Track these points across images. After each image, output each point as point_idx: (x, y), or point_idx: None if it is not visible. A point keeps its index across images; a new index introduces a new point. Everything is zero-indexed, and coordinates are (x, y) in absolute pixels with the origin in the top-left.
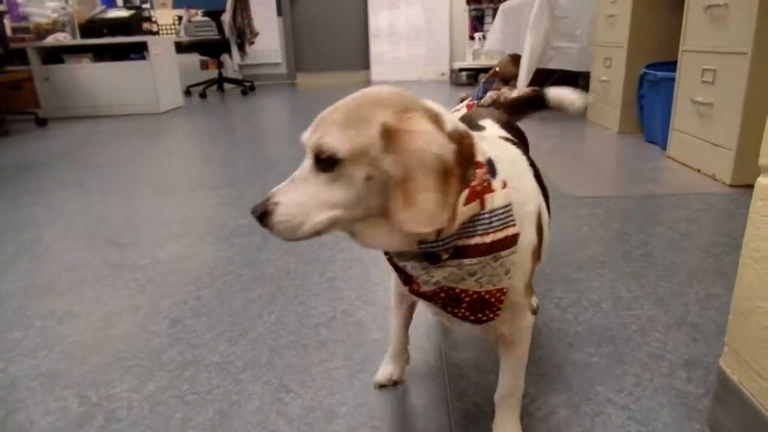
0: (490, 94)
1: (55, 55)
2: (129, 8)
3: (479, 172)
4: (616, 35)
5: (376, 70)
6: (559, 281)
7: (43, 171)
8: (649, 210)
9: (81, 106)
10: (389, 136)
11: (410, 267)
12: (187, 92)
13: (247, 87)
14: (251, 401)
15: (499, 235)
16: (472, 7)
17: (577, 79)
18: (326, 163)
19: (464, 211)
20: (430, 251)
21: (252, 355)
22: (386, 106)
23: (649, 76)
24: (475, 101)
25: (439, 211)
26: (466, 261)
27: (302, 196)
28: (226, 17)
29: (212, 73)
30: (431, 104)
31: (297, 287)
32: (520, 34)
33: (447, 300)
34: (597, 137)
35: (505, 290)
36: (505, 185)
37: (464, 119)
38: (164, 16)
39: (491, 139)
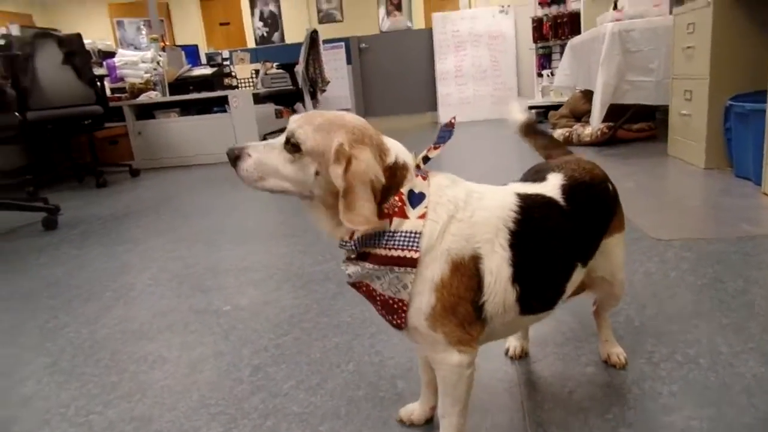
0: (562, 132)
1: (147, 111)
2: (212, 66)
3: (395, 198)
4: (697, 67)
5: (444, 112)
6: (648, 333)
7: (136, 219)
8: (745, 253)
9: (169, 157)
10: (339, 153)
11: (344, 253)
12: (264, 139)
13: None
14: None
15: (398, 253)
16: (539, 44)
17: (654, 113)
18: (293, 146)
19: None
20: (344, 248)
21: (330, 406)
22: (347, 132)
23: (737, 108)
24: (433, 146)
25: (370, 215)
26: (367, 264)
27: (267, 160)
28: (299, 68)
29: (286, 121)
30: (387, 141)
31: (372, 335)
32: (590, 70)
33: (367, 295)
34: (681, 174)
35: (405, 302)
36: (423, 216)
37: (539, 168)
38: (243, 70)
39: (448, 185)
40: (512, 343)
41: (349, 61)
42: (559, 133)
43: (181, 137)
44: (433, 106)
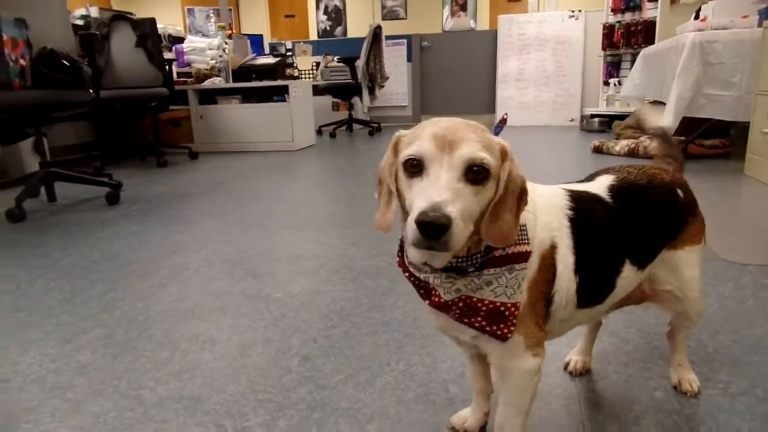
0: (626, 143)
1: (210, 97)
2: (275, 56)
3: None
4: None
5: (501, 114)
6: (724, 362)
7: (193, 201)
8: None
9: (228, 142)
10: (504, 158)
11: (433, 278)
12: (319, 132)
13: (374, 128)
14: None
15: (515, 249)
16: (608, 52)
17: (729, 130)
18: (478, 176)
19: None
20: (459, 266)
21: (379, 405)
22: (484, 130)
23: None
24: None
25: (511, 230)
26: (486, 271)
27: (462, 207)
28: (360, 63)
29: (343, 114)
30: None
31: (424, 336)
32: (664, 81)
33: (465, 309)
34: (758, 195)
35: (518, 304)
36: None
37: (595, 172)
38: (304, 62)
39: None
40: (573, 357)
41: (409, 59)
42: (623, 144)
43: (240, 123)
44: (491, 108)
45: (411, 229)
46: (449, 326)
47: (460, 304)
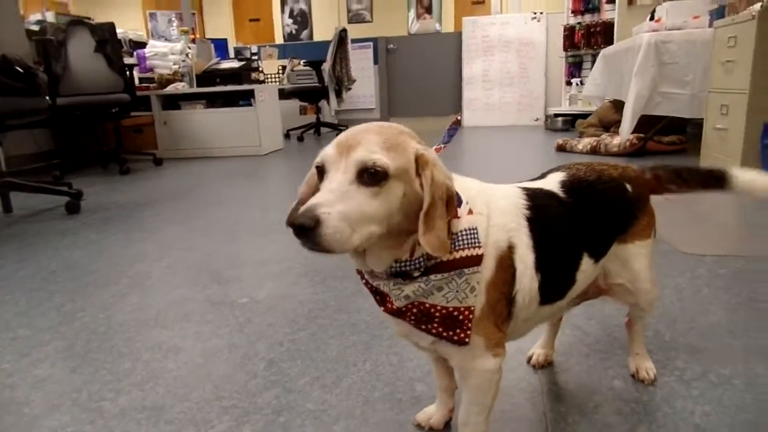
0: (589, 141)
1: (174, 102)
2: (240, 60)
3: None
4: (736, 81)
5: (468, 116)
6: (680, 350)
7: (156, 208)
8: None
9: (193, 148)
10: (420, 163)
11: (383, 285)
12: (287, 135)
13: (342, 131)
14: None
15: (464, 253)
16: (570, 53)
17: (686, 127)
18: (373, 177)
19: None
20: (403, 270)
21: (346, 405)
22: (411, 137)
23: None
24: (442, 145)
25: (446, 237)
26: (433, 276)
27: (348, 208)
28: (326, 66)
29: (310, 117)
30: None
31: (391, 337)
32: (622, 80)
33: (419, 316)
34: None
35: (472, 308)
36: (470, 212)
37: (546, 171)
38: (270, 66)
39: (464, 180)
40: (536, 350)
41: (376, 62)
42: (586, 142)
43: (205, 129)
44: (457, 109)
45: None
46: (409, 332)
47: (414, 311)
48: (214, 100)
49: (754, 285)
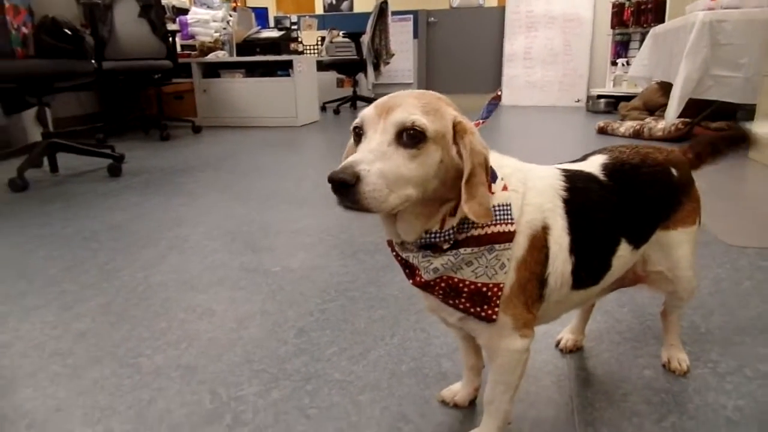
0: (632, 125)
1: (214, 70)
2: (280, 29)
3: None
4: None
5: (508, 94)
6: (715, 342)
7: (195, 175)
8: None
9: (231, 117)
10: (458, 130)
11: (412, 257)
12: (323, 108)
13: None
14: (369, 426)
15: (495, 229)
16: (617, 30)
17: (736, 113)
18: (412, 139)
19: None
20: (433, 242)
21: (372, 377)
22: (448, 105)
23: None
24: (481, 120)
25: (489, 204)
26: (462, 250)
27: (387, 168)
28: (365, 39)
29: (347, 90)
30: None
31: (419, 312)
32: (672, 61)
33: (447, 290)
34: (762, 179)
35: (501, 285)
36: (505, 188)
37: (589, 153)
38: (309, 36)
39: (502, 157)
40: (565, 335)
41: (416, 35)
42: (628, 125)
43: (244, 98)
44: (497, 86)
45: None
46: (437, 307)
47: (442, 284)
48: (253, 70)
49: None
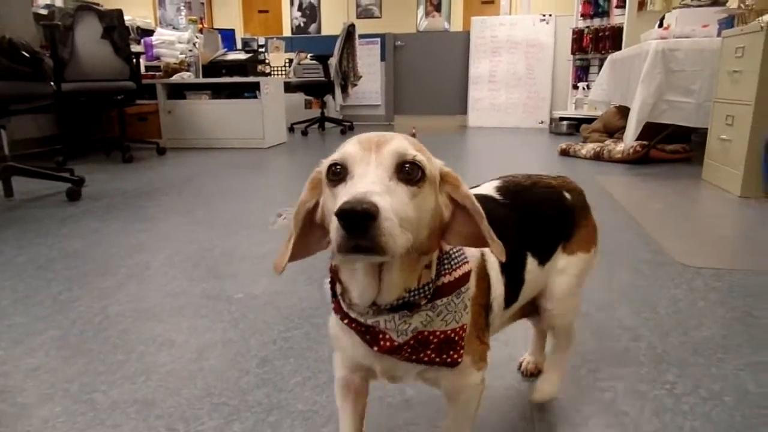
0: (593, 147)
1: (179, 92)
2: (247, 51)
3: None
4: (742, 92)
5: (473, 116)
6: (671, 363)
7: (158, 198)
8: None
9: (197, 138)
10: (449, 180)
11: (383, 321)
12: (291, 129)
13: (346, 126)
14: None
15: (460, 271)
16: (577, 56)
17: (690, 135)
18: (411, 175)
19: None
20: (412, 300)
21: (336, 408)
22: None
23: None
24: None
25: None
26: (439, 302)
27: (395, 203)
28: (333, 61)
29: (315, 112)
30: None
31: None
32: (629, 86)
33: (416, 346)
34: (715, 200)
35: (465, 326)
36: None
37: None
38: (277, 58)
39: None
40: (527, 357)
41: (383, 58)
42: (590, 147)
43: (210, 119)
44: (463, 109)
45: (334, 229)
46: (392, 368)
47: (411, 342)
48: (220, 91)
49: (749, 300)
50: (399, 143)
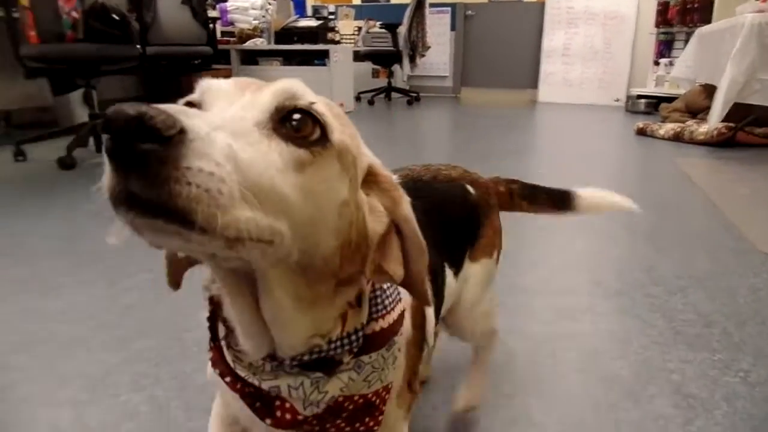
0: (672, 127)
1: (252, 57)
2: (318, 18)
3: None
4: None
5: (544, 91)
6: (747, 352)
7: None
8: None
9: None
10: (382, 181)
11: (286, 387)
12: (357, 98)
13: (412, 97)
14: None
15: (395, 314)
16: (661, 29)
17: None
18: (302, 131)
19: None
20: (330, 356)
21: None
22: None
23: None
24: None
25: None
26: (366, 358)
27: (247, 155)
28: (402, 30)
29: (382, 81)
30: None
31: None
32: (717, 63)
33: (326, 417)
34: None
35: (390, 386)
36: None
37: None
38: (346, 26)
39: None
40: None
41: (453, 28)
42: (669, 128)
43: None
44: (533, 83)
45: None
46: None
47: (320, 412)
48: (291, 58)
49: None
50: (292, 83)
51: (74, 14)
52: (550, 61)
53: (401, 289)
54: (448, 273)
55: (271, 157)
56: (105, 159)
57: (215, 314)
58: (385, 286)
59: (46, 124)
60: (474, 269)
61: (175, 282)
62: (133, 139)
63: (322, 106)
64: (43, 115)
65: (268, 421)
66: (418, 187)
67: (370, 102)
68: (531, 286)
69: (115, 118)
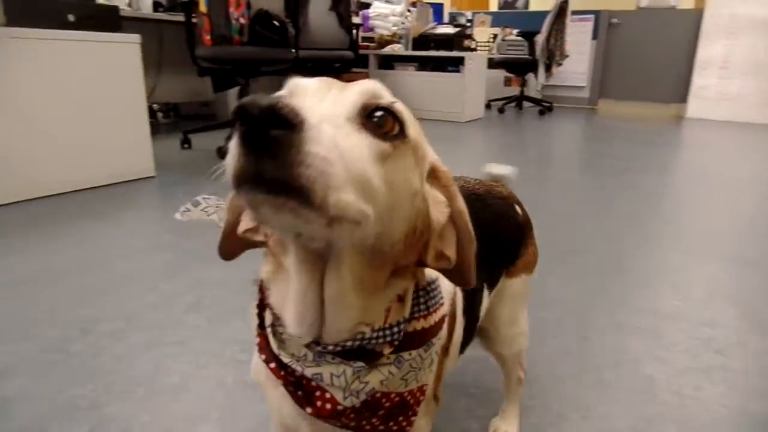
0: None
1: (388, 62)
2: (455, 26)
3: None
4: None
5: (694, 106)
6: None
7: None
8: None
9: None
10: (440, 177)
11: (328, 375)
12: (488, 105)
13: (545, 107)
14: None
15: (436, 316)
16: None
17: None
18: (382, 127)
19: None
20: (371, 346)
21: None
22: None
23: None
24: None
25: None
26: (406, 355)
27: (346, 144)
28: (540, 38)
29: (514, 90)
30: None
31: None
32: None
33: (362, 411)
34: None
35: (424, 387)
36: None
37: None
38: (482, 33)
39: None
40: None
41: (594, 36)
42: None
43: (413, 91)
44: (681, 97)
45: (232, 147)
46: None
47: (359, 406)
48: (426, 64)
49: None
50: (373, 84)
51: (242, 20)
52: (705, 73)
53: (444, 291)
54: (486, 293)
55: (361, 148)
56: (234, 143)
57: (262, 301)
58: (428, 288)
59: (205, 117)
60: (514, 284)
61: (226, 254)
62: (267, 126)
63: (400, 105)
64: (204, 109)
65: (309, 409)
66: (472, 200)
67: (500, 110)
68: (672, 312)
69: (251, 107)
